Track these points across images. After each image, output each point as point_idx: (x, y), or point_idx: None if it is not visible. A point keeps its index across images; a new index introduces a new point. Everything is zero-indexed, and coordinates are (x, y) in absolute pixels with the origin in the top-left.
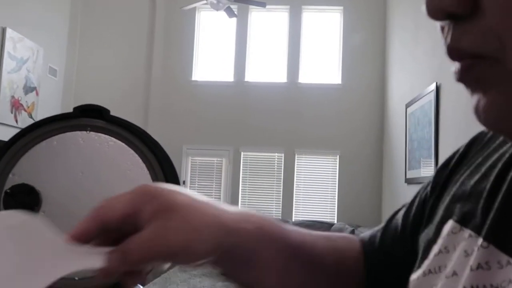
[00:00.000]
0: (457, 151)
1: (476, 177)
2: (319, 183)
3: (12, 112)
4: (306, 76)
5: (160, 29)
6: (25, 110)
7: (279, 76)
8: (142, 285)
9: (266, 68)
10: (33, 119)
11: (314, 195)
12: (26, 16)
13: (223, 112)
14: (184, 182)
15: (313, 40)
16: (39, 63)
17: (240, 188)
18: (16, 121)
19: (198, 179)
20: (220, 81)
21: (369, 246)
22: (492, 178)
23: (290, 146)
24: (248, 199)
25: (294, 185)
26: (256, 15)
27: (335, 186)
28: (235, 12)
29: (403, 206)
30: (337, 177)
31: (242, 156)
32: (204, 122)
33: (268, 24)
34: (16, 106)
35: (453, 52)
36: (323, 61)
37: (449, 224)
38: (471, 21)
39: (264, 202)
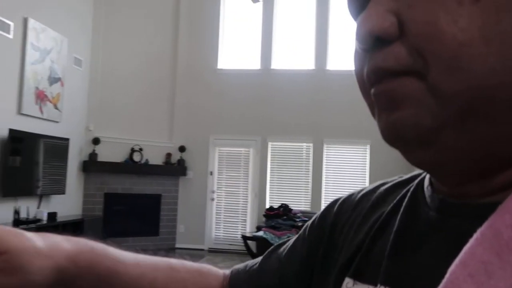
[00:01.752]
0: (323, 219)
1: (360, 236)
2: (349, 173)
3: (37, 104)
4: (335, 63)
5: (185, 17)
6: (50, 101)
7: (307, 63)
8: None
9: (293, 54)
10: (59, 110)
11: (344, 185)
12: (49, 6)
13: (250, 101)
14: (211, 173)
15: (342, 25)
16: (63, 53)
17: (268, 178)
18: (42, 112)
19: (226, 170)
20: (246, 69)
21: (237, 280)
22: (373, 233)
23: (319, 135)
24: (276, 190)
25: (323, 176)
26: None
27: (366, 176)
28: None
29: (277, 247)
30: (367, 167)
31: (269, 146)
32: (231, 112)
33: (294, 9)
34: (41, 97)
35: (379, 71)
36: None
37: (346, 281)
38: (395, 44)
39: (292, 193)
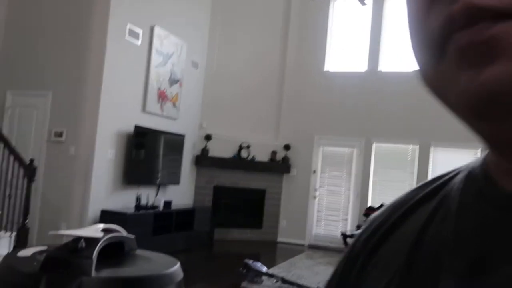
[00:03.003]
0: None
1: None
2: None
3: (158, 102)
4: None
5: (294, 20)
6: (169, 101)
7: (415, 64)
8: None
9: (402, 56)
10: (177, 109)
11: None
12: (172, 14)
13: (355, 103)
14: (314, 171)
15: None
16: (182, 57)
17: (371, 179)
18: (162, 110)
19: (329, 169)
20: (353, 71)
21: None
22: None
23: (426, 138)
24: (378, 191)
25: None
26: (392, 1)
27: None
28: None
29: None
30: None
31: (373, 147)
32: (336, 113)
33: (404, 9)
34: (162, 97)
35: (476, 12)
36: None
37: None
38: None
39: (394, 195)
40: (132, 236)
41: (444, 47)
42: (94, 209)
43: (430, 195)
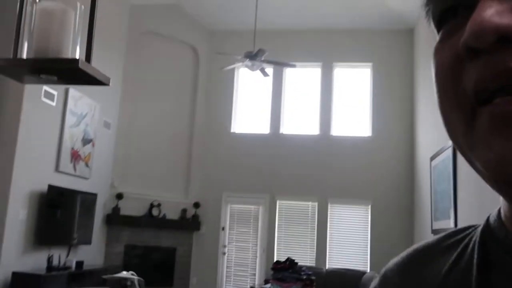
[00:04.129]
0: None
1: None
2: (352, 231)
3: (71, 162)
4: (338, 129)
5: (202, 85)
6: (82, 160)
7: (313, 128)
8: None
9: (300, 120)
10: (89, 168)
11: (347, 243)
12: None
13: (260, 162)
14: (223, 228)
15: (344, 94)
16: (95, 117)
17: (276, 235)
18: (75, 170)
19: (236, 226)
20: (257, 133)
21: None
22: None
23: (324, 195)
24: (283, 246)
25: (328, 234)
26: (290, 71)
27: (368, 234)
28: (271, 70)
29: None
30: (369, 226)
31: (277, 204)
32: (243, 171)
33: (301, 80)
34: (75, 156)
35: (509, 76)
36: (354, 114)
37: None
38: None
39: (298, 250)
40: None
41: (477, 109)
42: (4, 271)
43: (452, 246)
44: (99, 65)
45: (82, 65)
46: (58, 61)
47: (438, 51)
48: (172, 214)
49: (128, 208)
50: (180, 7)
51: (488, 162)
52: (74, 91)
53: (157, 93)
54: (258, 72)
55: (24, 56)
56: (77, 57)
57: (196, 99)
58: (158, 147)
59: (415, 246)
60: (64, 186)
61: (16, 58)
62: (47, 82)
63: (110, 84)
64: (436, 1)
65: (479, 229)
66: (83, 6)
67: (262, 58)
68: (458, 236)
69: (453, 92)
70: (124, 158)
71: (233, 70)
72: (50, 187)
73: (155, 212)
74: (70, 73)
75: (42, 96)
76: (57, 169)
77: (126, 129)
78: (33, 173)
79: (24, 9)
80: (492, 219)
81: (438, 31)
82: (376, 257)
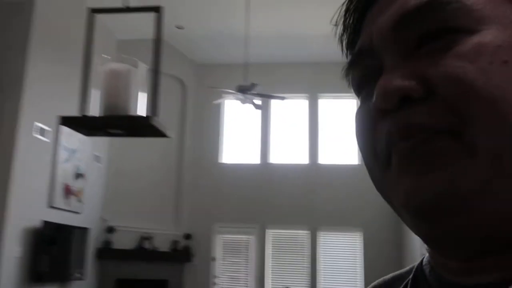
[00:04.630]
0: None
1: None
2: (344, 260)
3: (64, 197)
4: (327, 157)
5: (190, 117)
6: (74, 195)
7: (301, 157)
8: None
9: (289, 150)
10: (81, 202)
11: (339, 271)
12: (76, 113)
13: (250, 192)
14: (214, 259)
15: (331, 124)
16: (87, 152)
17: (268, 264)
18: (67, 204)
19: (228, 256)
20: (246, 163)
21: None
22: None
23: (314, 223)
24: (276, 276)
25: (319, 261)
26: (278, 102)
27: (360, 262)
28: (260, 102)
29: None
30: (361, 254)
31: (268, 233)
32: (233, 202)
33: (289, 110)
34: (67, 191)
35: (410, 128)
36: (342, 143)
37: None
38: (425, 102)
39: (291, 279)
40: None
41: (390, 157)
42: None
43: (399, 284)
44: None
45: (152, 121)
46: (132, 118)
47: (357, 115)
48: (164, 246)
49: (119, 242)
50: (167, 42)
51: (399, 198)
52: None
53: None
54: (248, 104)
55: (94, 113)
56: (141, 112)
57: (185, 131)
58: (147, 180)
59: (375, 282)
60: (58, 221)
61: (91, 116)
62: (113, 135)
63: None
64: (352, 71)
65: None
66: (144, 65)
67: (255, 92)
68: (405, 274)
69: (371, 148)
70: (114, 191)
71: (220, 104)
72: (45, 223)
73: (146, 244)
74: (139, 127)
75: (34, 132)
76: (50, 204)
77: (116, 162)
78: (27, 209)
79: (90, 71)
80: (425, 258)
81: (358, 97)
82: (369, 284)
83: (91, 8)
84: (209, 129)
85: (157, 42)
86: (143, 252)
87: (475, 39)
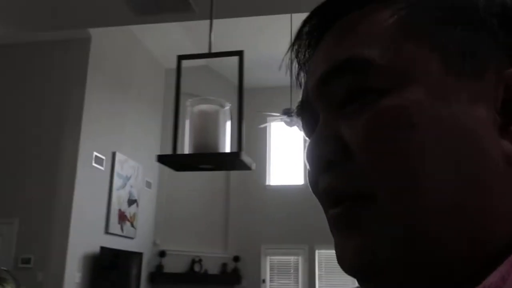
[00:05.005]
0: None
1: None
2: None
3: (119, 223)
4: None
5: None
6: (128, 220)
7: None
8: None
9: None
10: (134, 228)
11: None
12: (130, 142)
13: (297, 213)
14: (264, 281)
15: None
16: (139, 178)
17: (317, 286)
18: (122, 230)
19: (277, 278)
20: (292, 184)
21: None
22: None
23: None
24: None
25: None
26: None
27: None
28: None
29: None
30: None
31: (317, 254)
32: (280, 223)
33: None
34: (122, 218)
35: (329, 194)
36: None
37: None
38: (343, 166)
39: None
40: None
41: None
42: None
43: None
44: (139, 123)
45: (241, 156)
46: (222, 155)
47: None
48: (213, 269)
49: (171, 265)
50: (210, 68)
51: (336, 255)
52: (121, 155)
53: None
54: (294, 127)
55: (186, 151)
56: (227, 147)
57: None
58: (196, 204)
59: None
60: (113, 247)
61: (185, 154)
62: (201, 170)
63: (151, 143)
64: (301, 119)
65: None
66: (229, 104)
67: None
68: None
69: (318, 198)
70: (165, 216)
71: (265, 127)
72: (102, 249)
73: (196, 268)
74: (227, 162)
75: (93, 161)
76: (106, 230)
77: (166, 188)
78: (86, 236)
79: (181, 113)
80: None
81: None
82: None
83: (178, 55)
84: (255, 152)
85: (240, 83)
86: (193, 275)
87: (386, 101)
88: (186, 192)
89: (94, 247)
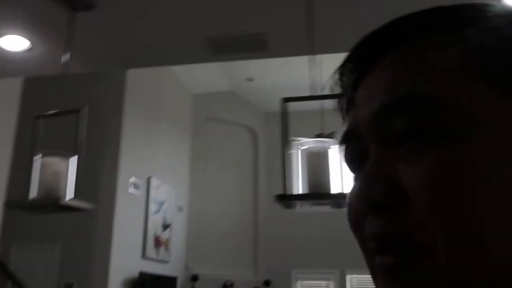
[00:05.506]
0: None
1: None
2: None
3: (154, 248)
4: None
5: (263, 164)
6: (163, 245)
7: None
8: None
9: None
10: (169, 252)
11: None
12: (162, 166)
13: (327, 236)
14: None
15: None
16: (172, 203)
17: None
18: (157, 254)
19: None
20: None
21: None
22: None
23: None
24: None
25: None
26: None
27: None
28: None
29: None
30: None
31: (348, 278)
32: (310, 246)
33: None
34: (157, 242)
35: (381, 241)
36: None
37: None
38: (399, 211)
39: None
40: None
41: (374, 258)
42: None
43: None
44: (170, 148)
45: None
46: (333, 195)
47: (350, 196)
48: None
49: None
50: (236, 93)
51: None
52: (155, 180)
53: (221, 175)
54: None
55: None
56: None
57: (258, 177)
58: (226, 228)
59: None
60: (150, 271)
61: (301, 194)
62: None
63: (181, 167)
64: (344, 151)
65: None
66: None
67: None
68: None
69: (360, 239)
70: (196, 239)
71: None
72: (141, 274)
73: None
74: (335, 200)
75: (130, 187)
76: (143, 255)
77: (197, 211)
78: (125, 261)
79: (288, 152)
80: None
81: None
82: None
83: (283, 98)
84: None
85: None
86: None
87: (456, 147)
88: (216, 216)
89: (133, 272)
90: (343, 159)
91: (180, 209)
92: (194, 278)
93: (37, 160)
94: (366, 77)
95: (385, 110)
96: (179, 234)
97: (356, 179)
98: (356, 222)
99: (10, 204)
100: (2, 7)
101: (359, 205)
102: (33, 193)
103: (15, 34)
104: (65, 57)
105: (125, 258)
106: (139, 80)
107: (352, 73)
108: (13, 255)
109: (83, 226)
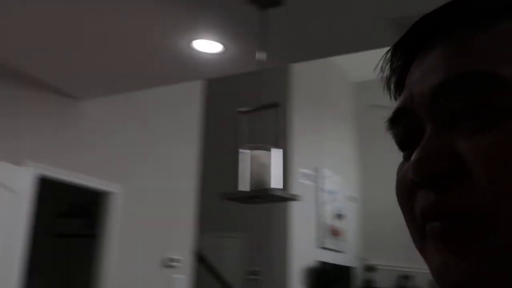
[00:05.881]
0: None
1: None
2: None
3: (330, 237)
4: None
5: None
6: (338, 235)
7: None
8: None
9: None
10: (344, 242)
11: None
12: (330, 156)
13: None
14: None
15: None
16: (343, 193)
17: None
18: (333, 244)
19: None
20: None
21: None
22: None
23: None
24: None
25: None
26: None
27: None
28: None
29: None
30: None
31: None
32: None
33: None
34: (333, 232)
35: (442, 210)
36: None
37: None
38: (459, 183)
39: None
40: None
41: (424, 229)
42: None
43: None
44: (337, 138)
45: None
46: None
47: (399, 171)
48: (425, 285)
49: (379, 281)
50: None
51: (432, 273)
52: (325, 170)
53: (390, 162)
54: None
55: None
56: None
57: None
58: (400, 219)
59: None
60: (326, 260)
61: None
62: None
63: (348, 158)
64: (393, 129)
65: None
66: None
67: None
68: None
69: (409, 213)
70: (372, 229)
71: None
72: (319, 263)
73: (407, 283)
74: None
75: (301, 178)
76: (319, 244)
77: (371, 202)
78: (302, 250)
79: None
80: None
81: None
82: None
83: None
84: None
85: None
86: None
87: None
88: (393, 207)
89: (310, 260)
90: (392, 137)
91: (353, 199)
92: (370, 268)
93: (243, 153)
94: (418, 58)
95: (446, 86)
96: (352, 225)
97: (406, 157)
98: (408, 195)
99: (225, 196)
100: (193, 14)
101: (417, 179)
102: (243, 184)
103: (207, 39)
104: (260, 55)
105: (302, 247)
106: (303, 74)
107: (404, 54)
108: (205, 243)
109: (264, 217)
